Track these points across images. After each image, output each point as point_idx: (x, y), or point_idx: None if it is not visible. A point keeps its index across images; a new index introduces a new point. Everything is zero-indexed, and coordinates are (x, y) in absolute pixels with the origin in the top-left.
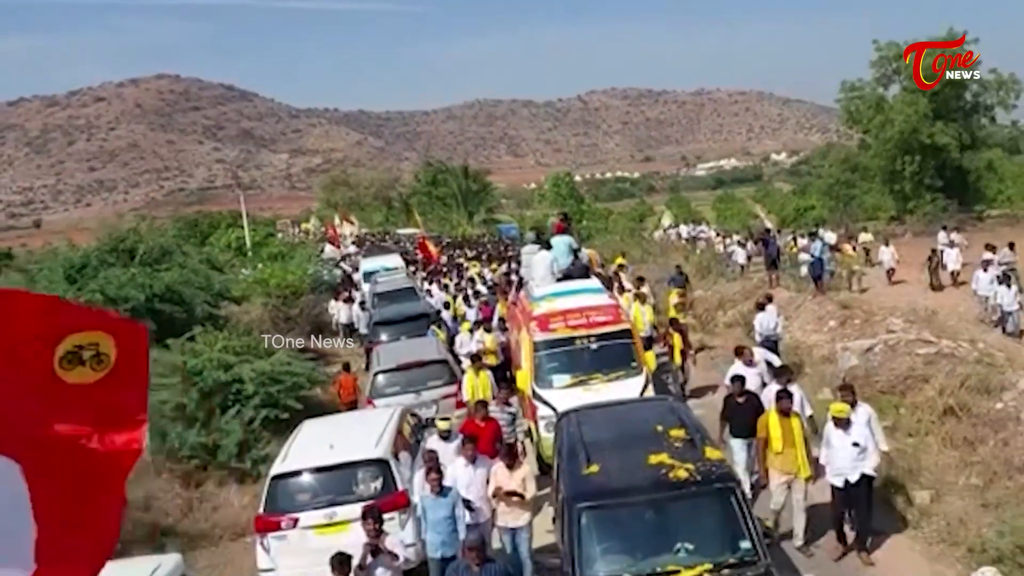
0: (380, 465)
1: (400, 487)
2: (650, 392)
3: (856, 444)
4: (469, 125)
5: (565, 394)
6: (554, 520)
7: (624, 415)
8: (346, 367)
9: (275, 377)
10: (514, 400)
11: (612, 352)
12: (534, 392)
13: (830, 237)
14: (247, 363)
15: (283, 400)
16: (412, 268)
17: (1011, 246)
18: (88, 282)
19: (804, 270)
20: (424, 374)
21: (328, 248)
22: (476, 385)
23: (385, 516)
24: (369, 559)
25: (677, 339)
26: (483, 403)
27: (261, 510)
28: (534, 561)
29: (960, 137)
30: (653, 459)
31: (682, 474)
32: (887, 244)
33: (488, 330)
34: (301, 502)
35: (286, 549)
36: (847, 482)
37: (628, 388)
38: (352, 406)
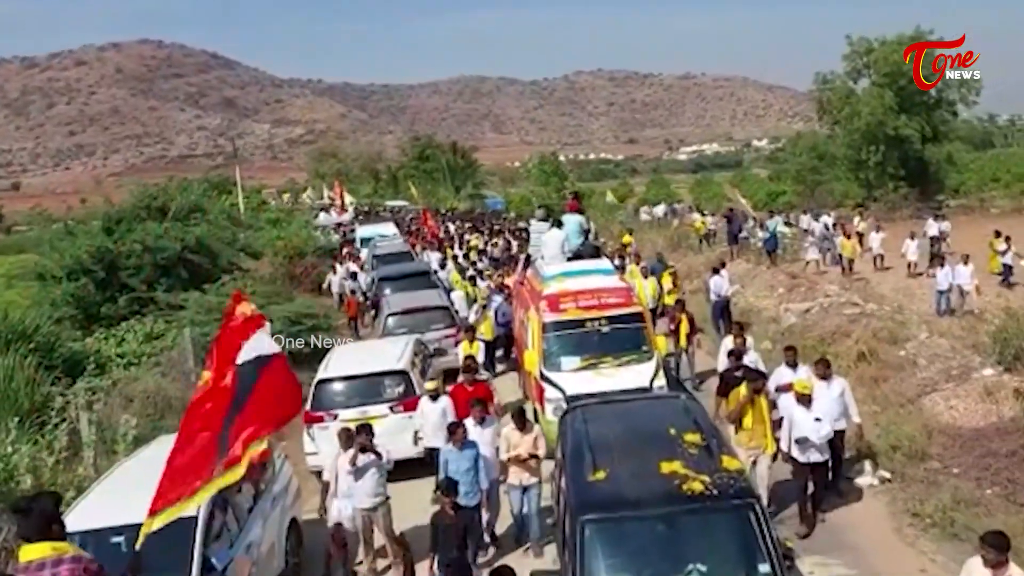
0: (402, 375)
1: (418, 392)
2: (661, 378)
3: (819, 420)
4: (454, 101)
5: (574, 377)
6: (553, 525)
7: (634, 413)
8: (352, 292)
9: (296, 320)
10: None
11: (623, 335)
12: (542, 374)
13: (828, 220)
14: (275, 304)
15: (304, 337)
16: (406, 236)
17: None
18: (125, 235)
19: (810, 250)
20: (427, 318)
21: (322, 215)
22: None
23: (405, 414)
24: (359, 457)
25: (685, 322)
26: (471, 368)
27: (308, 408)
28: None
29: (923, 130)
30: (666, 467)
31: (697, 487)
32: (878, 230)
33: (485, 306)
34: (339, 402)
35: (327, 437)
36: (811, 460)
37: (639, 373)
38: (354, 318)
